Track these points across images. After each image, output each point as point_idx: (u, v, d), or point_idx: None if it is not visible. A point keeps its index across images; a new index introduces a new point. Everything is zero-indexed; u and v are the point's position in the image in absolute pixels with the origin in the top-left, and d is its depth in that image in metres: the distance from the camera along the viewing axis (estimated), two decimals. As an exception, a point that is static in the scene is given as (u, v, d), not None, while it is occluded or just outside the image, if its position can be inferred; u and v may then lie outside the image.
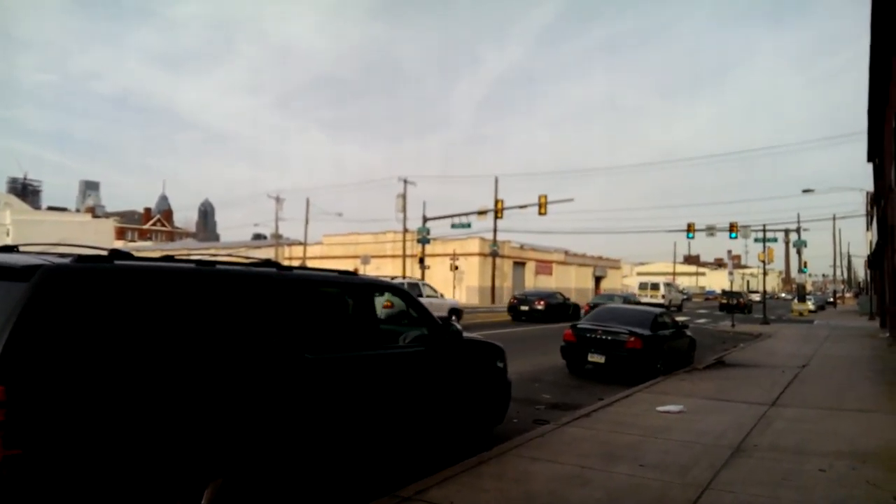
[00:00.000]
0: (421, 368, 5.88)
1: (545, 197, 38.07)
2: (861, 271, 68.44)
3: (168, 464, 3.70)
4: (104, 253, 3.95)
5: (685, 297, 56.49)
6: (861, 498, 4.99)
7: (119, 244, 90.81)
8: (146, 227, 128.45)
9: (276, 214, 54.54)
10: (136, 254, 4.36)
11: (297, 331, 4.65)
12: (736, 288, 44.79)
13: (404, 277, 25.09)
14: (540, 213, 38.27)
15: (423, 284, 24.64)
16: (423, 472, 5.39)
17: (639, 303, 34.89)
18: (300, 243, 59.80)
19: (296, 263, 52.68)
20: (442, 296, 25.66)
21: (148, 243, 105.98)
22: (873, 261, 30.72)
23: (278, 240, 60.88)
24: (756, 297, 36.90)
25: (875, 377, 12.05)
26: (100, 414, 3.43)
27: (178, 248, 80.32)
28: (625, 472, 5.55)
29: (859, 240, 66.18)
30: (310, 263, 54.14)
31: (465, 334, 6.67)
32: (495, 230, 47.46)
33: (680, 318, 19.26)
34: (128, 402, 3.57)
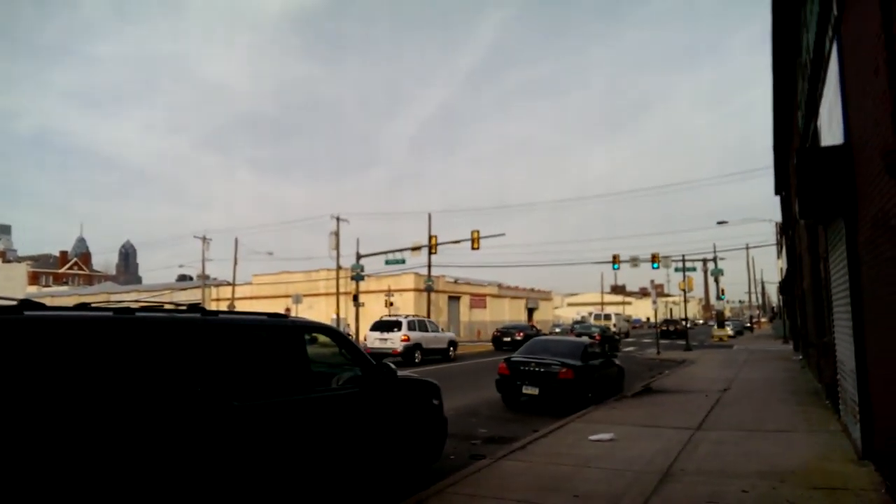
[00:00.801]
0: (355, 410, 5.79)
1: (478, 232, 38.59)
2: (774, 297, 72.41)
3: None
4: (13, 303, 3.74)
5: (631, 325, 60.46)
6: (782, 516, 5.21)
7: (33, 290, 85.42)
8: (62, 270, 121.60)
9: (202, 255, 52.74)
10: (51, 301, 4.16)
11: (224, 378, 4.51)
12: (660, 316, 49.24)
13: (412, 316, 28.06)
14: (473, 248, 38.72)
15: (430, 321, 27.52)
16: (359, 516, 5.27)
17: (610, 330, 40.91)
18: (228, 284, 58.01)
19: (224, 305, 50.75)
20: (443, 330, 29.14)
21: (64, 288, 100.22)
22: (785, 287, 32.61)
23: (205, 281, 58.88)
24: (686, 324, 40.52)
25: (790, 398, 12.68)
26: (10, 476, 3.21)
27: (97, 293, 76.32)
28: (560, 505, 5.60)
29: (772, 267, 70.36)
30: (239, 304, 52.62)
31: (400, 373, 6.63)
32: (430, 265, 47.59)
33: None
34: (39, 462, 3.35)
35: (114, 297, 67.22)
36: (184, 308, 4.90)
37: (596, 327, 40.04)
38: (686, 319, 41.96)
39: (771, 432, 9.00)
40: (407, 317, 26.02)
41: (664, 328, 41.77)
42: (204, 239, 51.99)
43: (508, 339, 34.55)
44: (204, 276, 57.99)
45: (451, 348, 27.11)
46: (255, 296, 58.94)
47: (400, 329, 23.80)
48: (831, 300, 9.55)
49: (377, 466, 6.05)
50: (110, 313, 4.14)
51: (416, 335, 24.37)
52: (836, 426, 9.16)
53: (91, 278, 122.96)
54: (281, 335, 5.32)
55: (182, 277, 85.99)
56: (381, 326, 24.57)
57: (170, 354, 4.26)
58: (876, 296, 5.57)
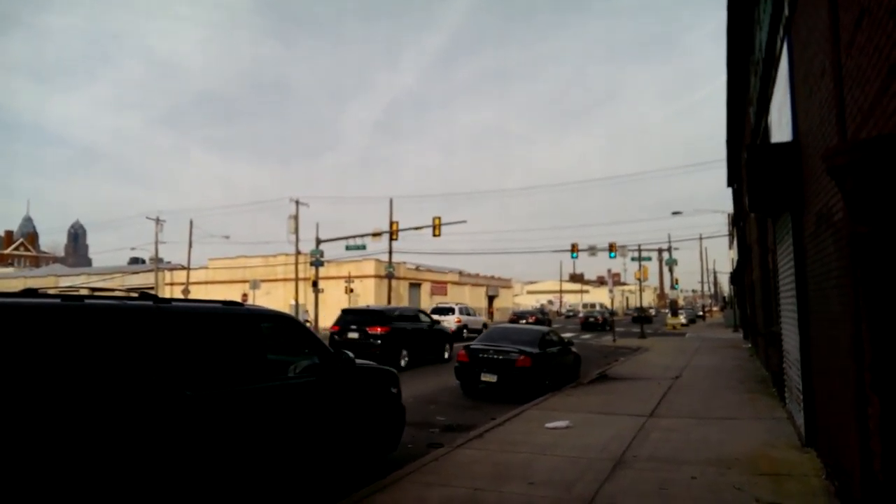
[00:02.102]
0: (312, 399, 5.76)
1: (439, 219, 38.50)
2: (726, 286, 74.59)
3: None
4: (-47, 290, 3.59)
5: (612, 313, 67.27)
6: (728, 502, 5.41)
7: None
8: (8, 251, 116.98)
9: (155, 237, 51.31)
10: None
11: (177, 367, 4.43)
12: (616, 304, 54.11)
13: (457, 303, 34.89)
14: (434, 235, 38.62)
15: (470, 308, 34.29)
16: (315, 506, 5.27)
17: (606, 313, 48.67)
18: (183, 268, 56.68)
19: (178, 289, 49.65)
20: (478, 315, 35.66)
21: (10, 269, 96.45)
22: (735, 277, 33.59)
23: (158, 264, 57.44)
24: (653, 312, 46.36)
25: (739, 386, 13.12)
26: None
27: (45, 275, 73.74)
28: (515, 492, 5.70)
29: (724, 257, 72.72)
30: (194, 289, 51.53)
31: (358, 361, 6.61)
32: (391, 252, 47.40)
33: (565, 335, 20.12)
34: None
35: (62, 281, 65.11)
36: (135, 295, 4.79)
37: (599, 311, 49.88)
38: (652, 308, 45.37)
39: (720, 419, 9.31)
40: (458, 304, 33.94)
41: (636, 315, 48.14)
42: (157, 220, 50.65)
43: (524, 321, 41.89)
44: (157, 260, 56.57)
45: (484, 328, 32.16)
46: (211, 280, 57.81)
47: (454, 314, 31.33)
48: (779, 291, 9.89)
49: (334, 456, 6.04)
50: (58, 300, 4.02)
51: (464, 318, 32.00)
52: (782, 414, 9.52)
53: (38, 260, 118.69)
54: (236, 323, 5.25)
55: (134, 260, 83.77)
56: (439, 311, 31.56)
57: (121, 343, 4.16)
58: (819, 288, 5.80)
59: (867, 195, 2.48)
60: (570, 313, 74.19)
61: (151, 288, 47.77)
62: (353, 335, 17.09)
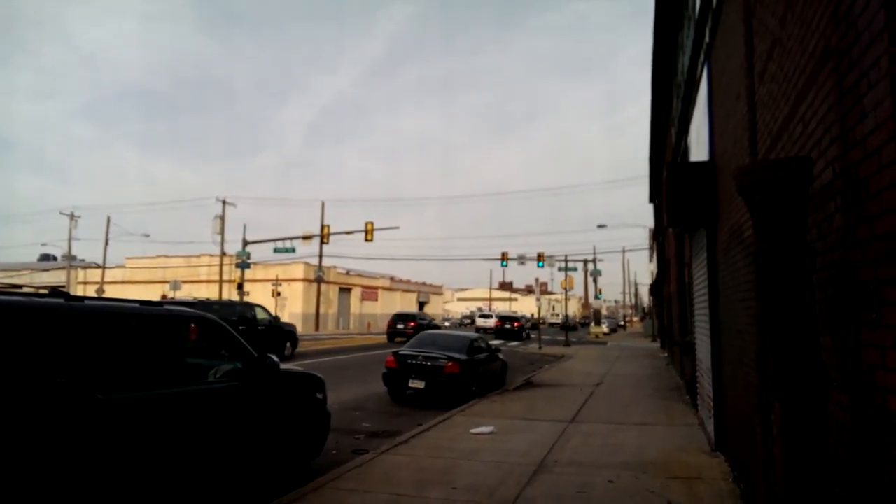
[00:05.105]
0: (233, 404, 5.60)
1: (372, 224, 38.42)
2: (646, 297, 77.69)
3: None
4: None
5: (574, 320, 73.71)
6: None
7: None
8: None
9: (69, 233, 48.60)
10: None
11: (88, 369, 4.21)
12: (544, 312, 59.93)
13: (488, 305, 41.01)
14: (367, 240, 38.48)
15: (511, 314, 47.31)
16: (233, 514, 5.12)
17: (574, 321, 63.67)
18: (98, 266, 53.87)
19: (92, 289, 47.29)
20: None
21: None
22: (654, 289, 35.02)
23: (71, 262, 54.36)
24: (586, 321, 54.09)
25: (655, 393, 13.66)
26: None
27: (-59, 270, 68.37)
28: (439, 497, 5.72)
29: (645, 270, 76.12)
30: (109, 289, 49.11)
31: (283, 366, 6.48)
32: (321, 256, 46.80)
33: (494, 342, 20.42)
34: None
35: (-38, 277, 60.49)
36: (45, 292, 4.54)
37: (570, 318, 57.87)
38: (564, 316, 48.25)
39: (636, 425, 9.66)
40: (497, 311, 45.84)
41: (579, 322, 54.04)
42: (72, 216, 48.00)
43: (508, 325, 49.37)
44: (70, 257, 53.52)
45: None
46: (129, 280, 55.30)
47: (493, 318, 44.82)
48: (693, 303, 10.38)
49: (256, 462, 5.89)
50: (-44, 297, 3.76)
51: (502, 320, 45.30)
52: (694, 420, 9.98)
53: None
54: (154, 324, 5.04)
55: (45, 257, 78.90)
56: (484, 316, 46.72)
57: (27, 342, 3.92)
58: (729, 301, 6.13)
59: (771, 213, 2.65)
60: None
61: (63, 286, 45.14)
62: None
